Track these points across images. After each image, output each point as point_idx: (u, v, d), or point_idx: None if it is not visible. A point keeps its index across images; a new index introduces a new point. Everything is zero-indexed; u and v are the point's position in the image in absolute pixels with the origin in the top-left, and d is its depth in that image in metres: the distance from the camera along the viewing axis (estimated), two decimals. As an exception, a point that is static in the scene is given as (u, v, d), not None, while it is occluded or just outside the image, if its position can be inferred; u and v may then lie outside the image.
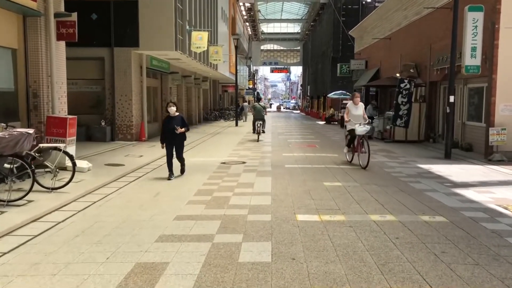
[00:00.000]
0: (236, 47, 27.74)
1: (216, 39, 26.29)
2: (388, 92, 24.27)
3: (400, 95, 17.16)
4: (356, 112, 10.85)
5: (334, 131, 24.21)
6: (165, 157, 9.15)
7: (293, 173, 9.68)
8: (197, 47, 17.35)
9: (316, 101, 47.97)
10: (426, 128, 17.51)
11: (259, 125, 18.06)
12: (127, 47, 16.07)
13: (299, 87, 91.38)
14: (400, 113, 17.20)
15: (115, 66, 16.11)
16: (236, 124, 28.19)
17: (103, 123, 15.96)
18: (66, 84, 10.95)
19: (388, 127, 18.41)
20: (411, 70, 18.25)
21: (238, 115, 35.51)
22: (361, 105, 11.06)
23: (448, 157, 12.54)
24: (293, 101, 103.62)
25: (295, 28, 69.40)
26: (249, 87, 66.58)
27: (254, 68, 75.11)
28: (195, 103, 28.78)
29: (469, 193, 7.72)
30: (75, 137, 9.89)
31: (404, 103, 17.19)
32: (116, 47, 16.04)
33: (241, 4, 44.71)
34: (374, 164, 11.11)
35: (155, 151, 13.36)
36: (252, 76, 70.02)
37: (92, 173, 9.35)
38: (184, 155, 9.41)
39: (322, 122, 34.51)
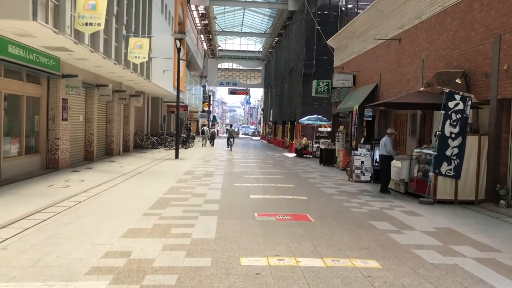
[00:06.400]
0: (179, 50, 19.85)
1: (146, 30, 18.36)
2: (392, 116, 17.10)
3: (448, 121, 9.82)
4: None
5: (317, 172, 16.56)
6: None
7: None
8: (85, 24, 9.29)
9: (281, 127, 40.53)
10: (489, 180, 10.14)
11: (231, 141, 28.73)
12: None
13: (260, 112, 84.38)
14: (448, 152, 9.82)
15: None
16: (176, 156, 20.02)
17: None
18: None
19: (416, 175, 10.97)
20: (457, 81, 10.95)
21: (186, 141, 27.85)
22: None
23: None
24: (252, 126, 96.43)
25: (256, 46, 62.49)
26: (203, 110, 58.62)
27: (210, 88, 67.38)
28: (119, 125, 20.45)
29: None
30: None
31: (454, 135, 9.85)
32: None
33: (193, 8, 36.98)
34: None
35: None
36: (207, 97, 62.15)
37: None
38: None
39: (292, 155, 26.88)
